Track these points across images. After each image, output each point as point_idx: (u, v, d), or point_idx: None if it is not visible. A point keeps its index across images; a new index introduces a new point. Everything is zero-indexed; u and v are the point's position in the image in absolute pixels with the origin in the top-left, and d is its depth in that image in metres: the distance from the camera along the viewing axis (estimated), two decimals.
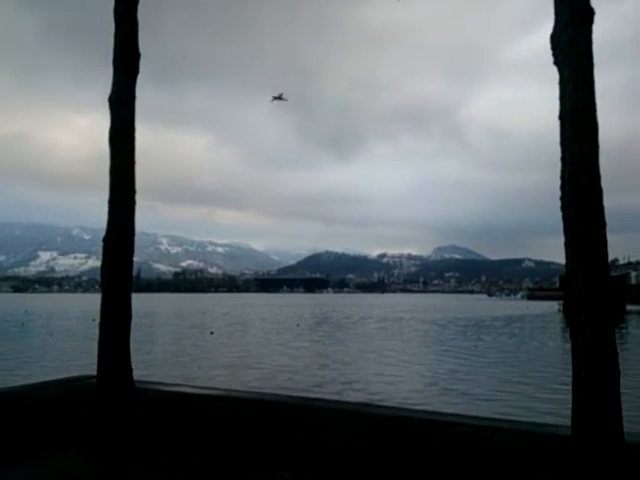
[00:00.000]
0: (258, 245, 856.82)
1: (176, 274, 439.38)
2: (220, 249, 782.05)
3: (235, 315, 64.56)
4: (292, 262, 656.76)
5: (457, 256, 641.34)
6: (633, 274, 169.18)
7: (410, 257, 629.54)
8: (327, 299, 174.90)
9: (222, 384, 13.79)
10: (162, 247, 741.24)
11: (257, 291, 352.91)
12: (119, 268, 8.01)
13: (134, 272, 8.79)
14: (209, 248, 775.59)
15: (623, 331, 42.53)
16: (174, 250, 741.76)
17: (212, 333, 35.96)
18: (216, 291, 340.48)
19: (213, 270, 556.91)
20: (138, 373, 8.66)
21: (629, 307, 79.64)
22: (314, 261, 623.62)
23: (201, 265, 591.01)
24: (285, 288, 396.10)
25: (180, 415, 7.29)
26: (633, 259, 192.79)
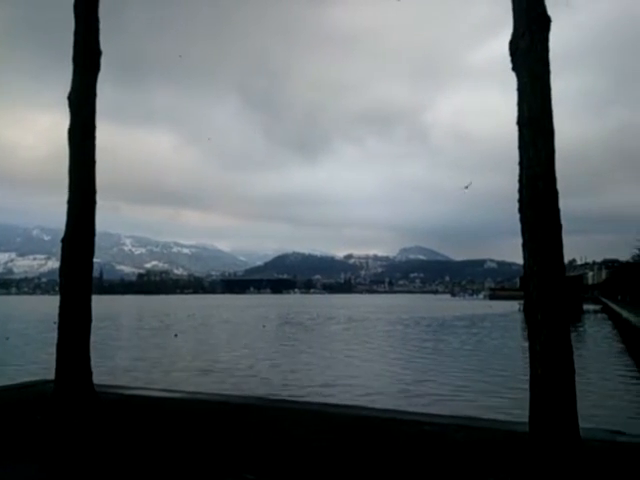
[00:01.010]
0: (225, 246, 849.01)
1: (140, 275, 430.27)
2: (186, 250, 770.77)
3: (201, 317, 63.75)
4: (259, 263, 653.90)
5: (422, 257, 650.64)
6: (590, 274, 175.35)
7: (376, 258, 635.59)
8: (294, 300, 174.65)
9: (186, 387, 13.60)
10: (126, 248, 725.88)
11: (224, 292, 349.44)
12: (78, 269, 7.81)
13: (96, 273, 8.61)
14: (175, 249, 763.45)
15: (580, 329, 43.97)
16: (138, 251, 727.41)
17: (176, 335, 35.42)
18: (182, 293, 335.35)
19: (179, 271, 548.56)
20: (99, 377, 8.46)
21: (586, 307, 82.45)
22: (281, 262, 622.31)
23: (166, 266, 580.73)
24: (252, 289, 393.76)
25: (142, 419, 7.15)
26: (590, 260, 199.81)
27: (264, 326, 46.39)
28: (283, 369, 20.40)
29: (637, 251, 52.68)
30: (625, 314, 40.47)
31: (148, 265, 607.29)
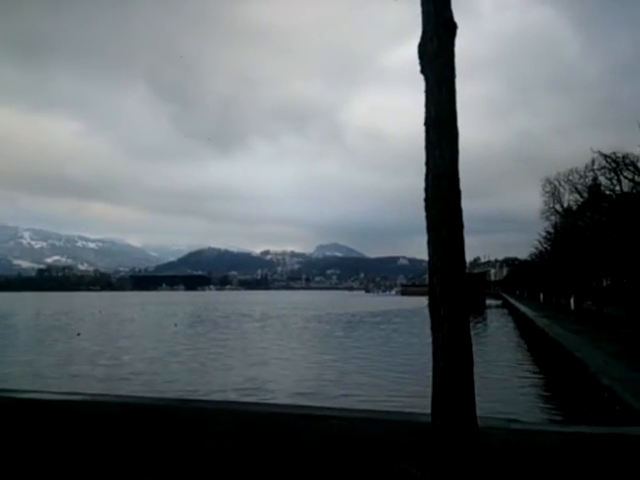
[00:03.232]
0: (135, 241, 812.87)
1: (40, 271, 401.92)
2: (92, 244, 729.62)
3: (108, 315, 60.70)
4: (172, 259, 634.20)
5: (338, 254, 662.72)
6: (492, 271, 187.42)
7: (293, 254, 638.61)
8: (209, 297, 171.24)
9: (87, 389, 12.85)
10: (24, 241, 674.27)
11: (134, 289, 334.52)
12: None
13: None
14: (79, 243, 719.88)
15: (483, 323, 46.86)
16: (38, 245, 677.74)
17: (79, 334, 33.51)
18: (87, 289, 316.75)
19: (84, 267, 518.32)
20: None
21: (488, 301, 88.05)
22: (196, 258, 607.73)
23: (70, 261, 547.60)
24: (164, 286, 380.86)
25: (37, 423, 6.63)
26: (492, 258, 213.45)
27: (176, 325, 45.01)
28: (192, 369, 19.84)
29: (534, 250, 56.89)
30: (523, 308, 43.68)
31: (49, 260, 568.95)
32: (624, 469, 4.91)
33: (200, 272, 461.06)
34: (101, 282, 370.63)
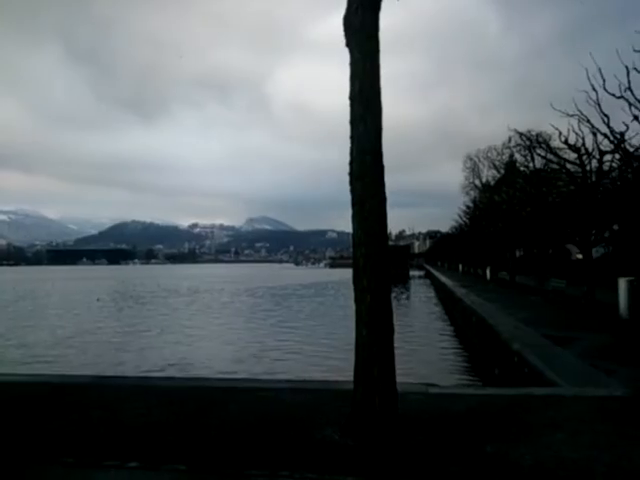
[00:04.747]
0: (52, 213, 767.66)
1: None
2: (3, 216, 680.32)
3: (23, 291, 57.25)
4: (94, 232, 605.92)
5: (268, 227, 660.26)
6: (416, 244, 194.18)
7: (222, 228, 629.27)
8: (133, 271, 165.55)
9: None
10: None
11: (51, 264, 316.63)
12: None
13: None
14: None
15: (407, 293, 48.67)
16: None
17: None
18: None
19: None
20: None
21: (412, 273, 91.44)
22: (119, 231, 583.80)
23: None
24: (85, 260, 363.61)
25: None
26: (417, 231, 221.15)
27: (98, 299, 43.29)
28: (112, 348, 19.14)
29: (455, 223, 59.48)
30: (443, 279, 45.73)
31: None
32: (531, 426, 5.33)
33: (124, 246, 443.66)
34: (15, 257, 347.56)
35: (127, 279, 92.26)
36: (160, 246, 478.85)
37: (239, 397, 6.61)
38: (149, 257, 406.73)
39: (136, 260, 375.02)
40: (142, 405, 6.24)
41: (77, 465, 4.56)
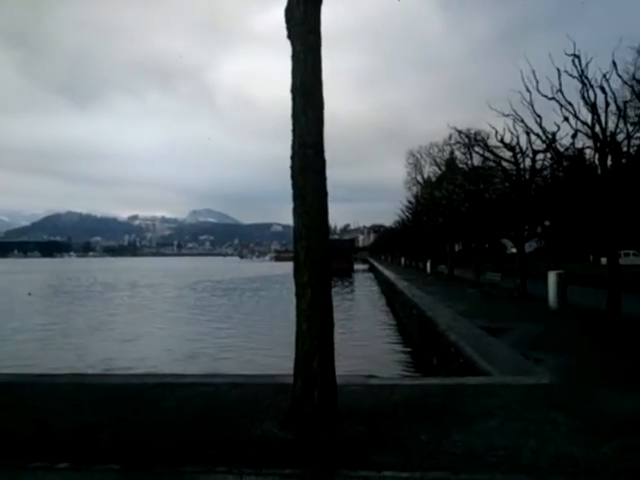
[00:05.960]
0: None
1: None
2: None
3: None
4: (25, 223, 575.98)
5: (212, 220, 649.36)
6: (361, 238, 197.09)
7: (164, 220, 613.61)
8: (69, 264, 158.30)
9: None
10: None
11: None
12: None
13: None
14: None
15: (351, 287, 49.26)
16: None
17: None
18: None
19: None
20: None
21: (357, 266, 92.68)
22: (52, 223, 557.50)
23: None
24: (16, 252, 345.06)
25: None
26: (361, 225, 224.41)
27: (30, 294, 41.10)
28: (41, 347, 18.16)
29: (398, 218, 60.68)
30: (386, 272, 46.63)
31: None
32: (464, 414, 5.54)
33: (58, 238, 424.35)
34: None
35: (62, 272, 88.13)
36: (98, 238, 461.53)
37: (177, 393, 6.48)
38: (86, 250, 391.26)
39: (72, 253, 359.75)
40: (73, 404, 6.00)
41: (1, 467, 4.33)
